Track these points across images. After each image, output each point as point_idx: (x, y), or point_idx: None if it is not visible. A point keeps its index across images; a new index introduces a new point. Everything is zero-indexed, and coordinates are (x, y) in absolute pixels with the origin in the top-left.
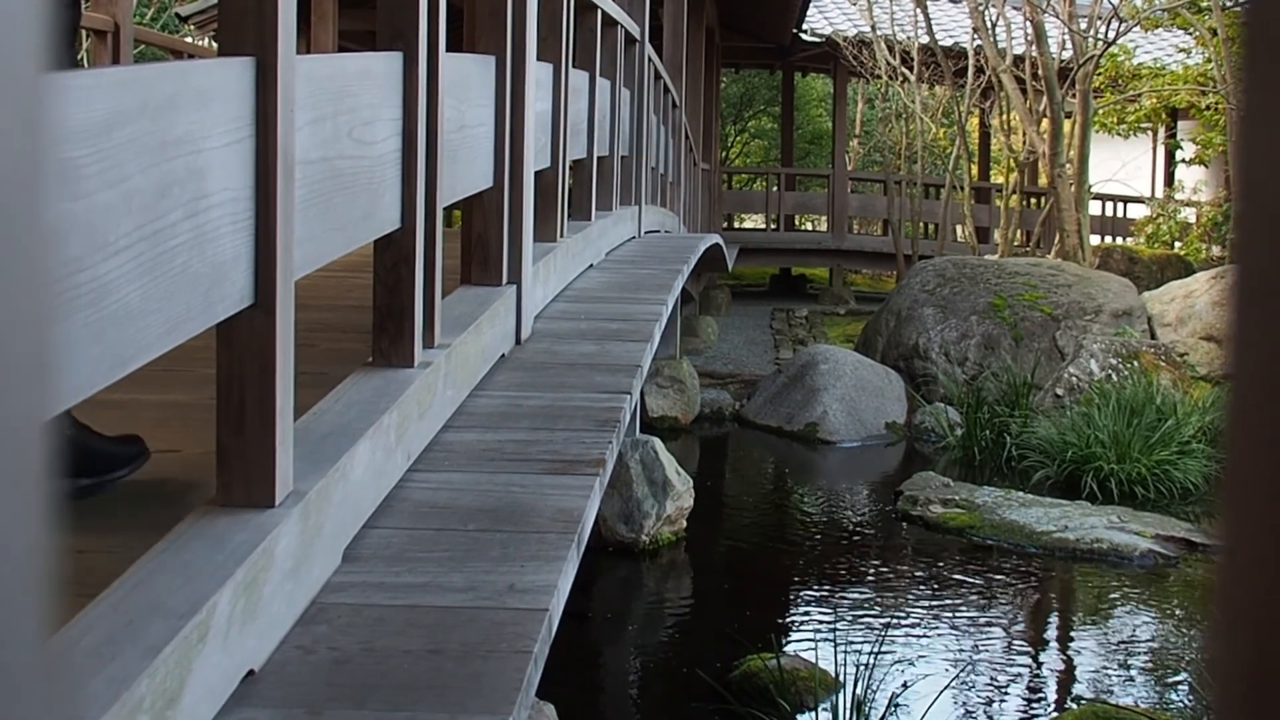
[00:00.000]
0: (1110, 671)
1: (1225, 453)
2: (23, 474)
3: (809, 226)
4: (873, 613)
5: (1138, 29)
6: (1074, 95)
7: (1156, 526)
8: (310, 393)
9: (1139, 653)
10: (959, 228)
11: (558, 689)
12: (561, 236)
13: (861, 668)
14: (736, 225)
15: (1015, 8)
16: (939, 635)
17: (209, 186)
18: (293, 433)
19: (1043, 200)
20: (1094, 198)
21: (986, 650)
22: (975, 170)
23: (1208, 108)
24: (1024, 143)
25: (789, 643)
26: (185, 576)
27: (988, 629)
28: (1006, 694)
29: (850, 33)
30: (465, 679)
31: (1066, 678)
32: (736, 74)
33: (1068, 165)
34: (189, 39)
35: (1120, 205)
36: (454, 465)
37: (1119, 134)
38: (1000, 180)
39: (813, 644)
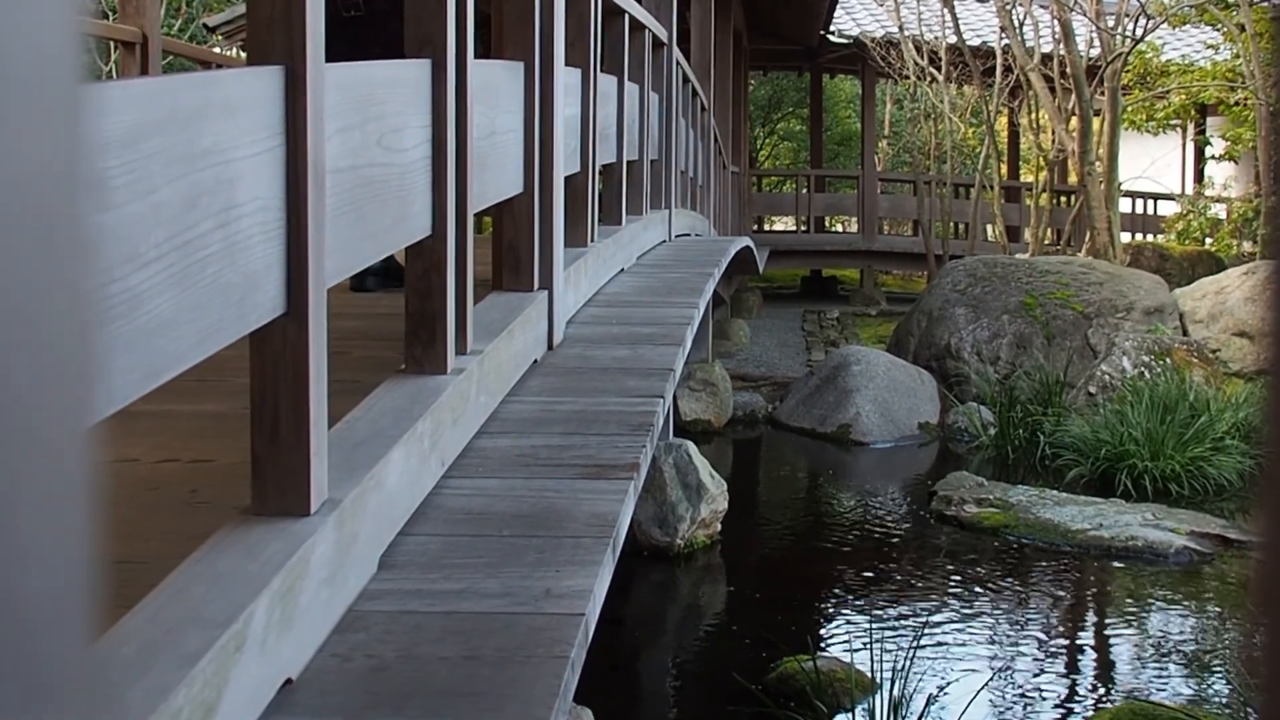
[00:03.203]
0: (1147, 669)
1: (1265, 448)
2: (65, 485)
3: (839, 228)
4: (908, 613)
5: (1165, 25)
6: (1102, 93)
7: (1191, 523)
8: (343, 401)
9: (1176, 650)
10: (989, 227)
11: (595, 693)
12: (592, 241)
13: (898, 668)
14: (766, 228)
15: (1043, 6)
16: (975, 635)
17: (239, 196)
18: (327, 441)
19: (1073, 198)
20: (1124, 195)
21: (1023, 649)
22: (1005, 169)
23: (1237, 103)
24: (1053, 141)
25: (825, 644)
26: (221, 586)
27: (1024, 628)
28: (1043, 692)
29: (878, 34)
30: (503, 685)
31: (1103, 675)
32: (764, 76)
33: (1097, 163)
34: (217, 49)
35: (1150, 202)
36: (488, 471)
37: (1148, 131)
38: (1030, 179)
39: (849, 645)
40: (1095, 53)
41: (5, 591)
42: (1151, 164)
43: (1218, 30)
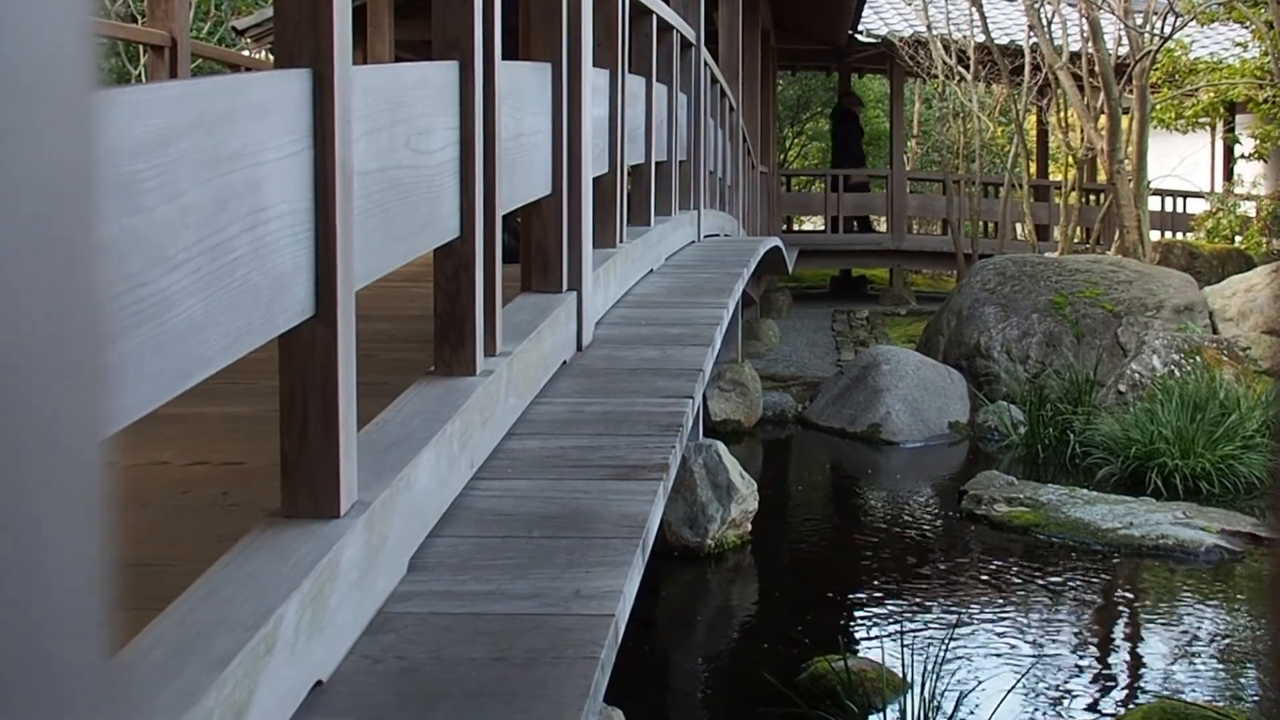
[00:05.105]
0: (1178, 667)
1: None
2: (79, 491)
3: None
4: (939, 613)
5: (1194, 23)
6: (1131, 91)
7: (1222, 521)
8: (373, 403)
9: (1207, 648)
10: (1018, 226)
11: (625, 694)
12: (621, 242)
13: (929, 668)
14: (795, 227)
15: (1071, 5)
16: (1006, 634)
17: (267, 199)
18: (356, 443)
19: (1102, 197)
20: (1153, 193)
21: (1054, 648)
22: (1034, 168)
23: (1265, 101)
24: (1082, 140)
25: (856, 644)
26: (251, 588)
27: (1054, 627)
28: (1075, 691)
29: (906, 33)
30: (532, 686)
31: (1134, 674)
32: (793, 76)
33: (1126, 161)
34: (245, 52)
35: (1179, 200)
36: (518, 473)
37: (1177, 129)
38: (1059, 177)
39: (880, 645)
40: (1124, 51)
41: (22, 599)
42: (1180, 162)
43: (1246, 28)
